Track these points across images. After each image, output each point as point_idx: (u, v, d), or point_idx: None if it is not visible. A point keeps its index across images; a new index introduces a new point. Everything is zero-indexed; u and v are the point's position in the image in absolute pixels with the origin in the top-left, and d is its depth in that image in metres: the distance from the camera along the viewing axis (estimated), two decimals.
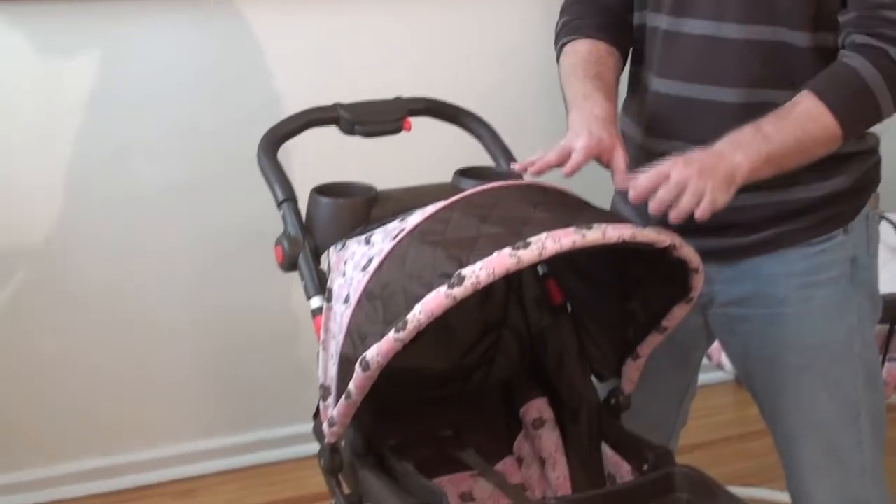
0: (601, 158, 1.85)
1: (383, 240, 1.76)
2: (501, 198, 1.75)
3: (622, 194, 2.13)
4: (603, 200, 1.97)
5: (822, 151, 1.87)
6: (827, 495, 2.07)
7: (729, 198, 1.77)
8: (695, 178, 1.74)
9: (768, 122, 1.83)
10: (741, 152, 1.79)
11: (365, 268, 1.73)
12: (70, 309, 3.30)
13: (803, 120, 1.83)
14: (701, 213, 1.72)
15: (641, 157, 2.00)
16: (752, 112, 1.86)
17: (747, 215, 1.97)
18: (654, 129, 2.03)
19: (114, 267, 3.31)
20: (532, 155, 1.86)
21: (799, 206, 1.99)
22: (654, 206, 1.75)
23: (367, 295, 1.70)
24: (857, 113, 1.86)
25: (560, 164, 1.81)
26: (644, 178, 1.75)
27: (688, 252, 1.73)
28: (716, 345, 2.31)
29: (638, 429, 2.00)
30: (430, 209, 1.75)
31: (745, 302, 2.04)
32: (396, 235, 1.73)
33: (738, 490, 1.77)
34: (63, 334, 3.30)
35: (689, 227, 1.77)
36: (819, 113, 1.83)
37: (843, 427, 2.05)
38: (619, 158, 1.85)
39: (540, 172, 1.81)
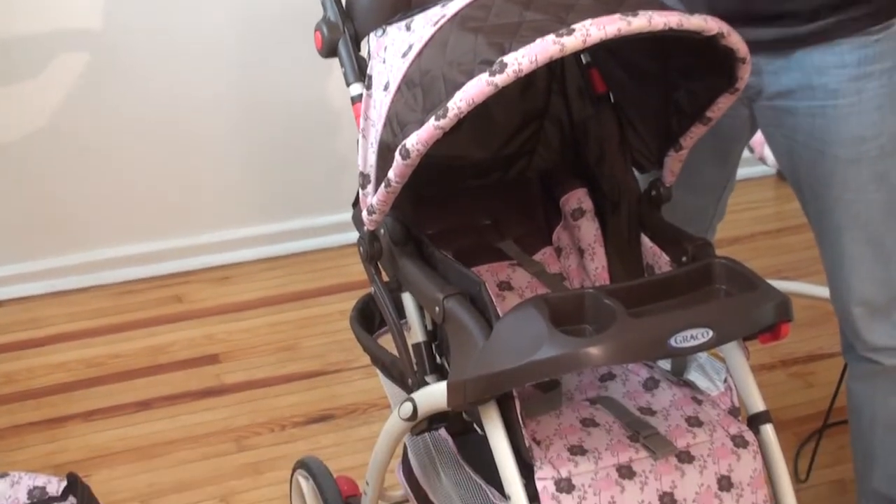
0: None
1: (424, 26, 1.72)
2: None
3: None
4: None
5: None
6: (870, 289, 2.08)
7: None
8: None
9: None
10: None
11: (405, 54, 1.71)
12: (112, 97, 3.30)
13: None
14: None
15: None
16: None
17: (804, 4, 1.92)
18: None
19: (155, 54, 3.29)
20: None
21: None
22: None
23: (407, 82, 1.68)
24: None
25: None
26: None
27: (735, 41, 1.69)
28: (758, 137, 2.28)
29: (676, 221, 1.99)
30: None
31: (793, 94, 2.01)
32: (437, 21, 1.70)
33: (775, 283, 1.77)
34: (105, 122, 3.31)
35: (740, 17, 1.72)
36: None
37: (889, 221, 2.04)
38: None
39: None
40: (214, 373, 3.03)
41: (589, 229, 2.07)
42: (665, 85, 1.89)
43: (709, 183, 2.27)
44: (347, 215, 2.02)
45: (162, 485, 2.64)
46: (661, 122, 1.93)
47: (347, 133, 3.36)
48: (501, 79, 1.55)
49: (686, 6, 1.98)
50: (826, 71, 1.97)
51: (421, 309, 1.87)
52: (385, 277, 1.93)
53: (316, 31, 1.95)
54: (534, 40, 1.55)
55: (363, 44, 1.92)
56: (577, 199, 2.08)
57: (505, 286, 2.07)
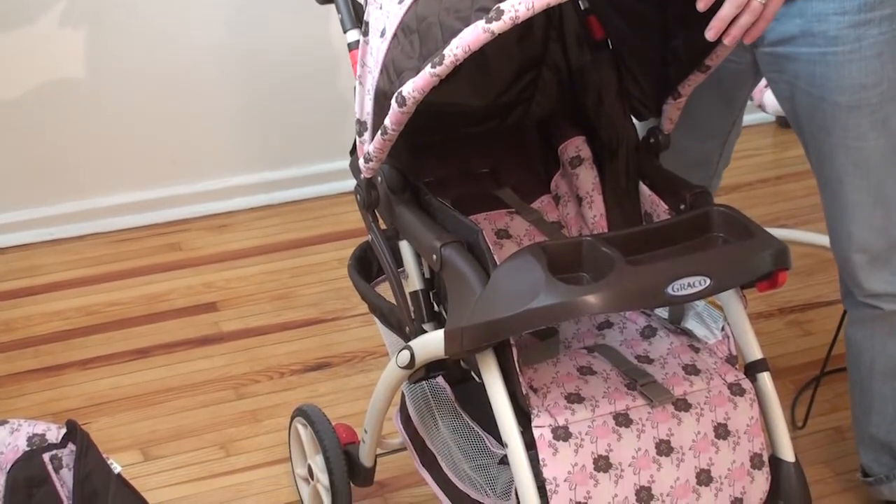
0: None
1: None
2: None
3: None
4: None
5: None
6: (869, 236, 2.08)
7: None
8: None
9: None
10: None
11: (401, 1, 1.69)
12: (110, 44, 3.28)
13: None
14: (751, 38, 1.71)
15: None
16: None
17: None
18: None
19: (153, 1, 3.27)
20: None
21: None
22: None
23: (404, 29, 1.67)
24: None
25: None
26: None
27: None
28: (758, 84, 2.27)
29: (681, 168, 1.99)
30: None
31: (794, 41, 2.00)
32: None
33: (773, 231, 1.77)
34: (104, 70, 3.29)
35: None
36: None
37: (890, 168, 2.04)
38: None
39: None
40: (212, 321, 3.03)
41: (587, 177, 2.06)
42: (664, 32, 1.88)
43: (714, 128, 2.27)
44: (345, 163, 2.02)
45: (161, 432, 2.65)
46: (660, 69, 1.92)
47: (345, 80, 3.34)
48: (498, 26, 1.54)
49: None
50: (826, 18, 1.96)
51: (418, 257, 1.87)
52: (383, 225, 1.93)
53: None
54: None
55: None
56: (576, 146, 2.08)
57: (503, 234, 2.07)
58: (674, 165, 1.99)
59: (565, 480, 1.69)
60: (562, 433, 1.71)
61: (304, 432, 2.33)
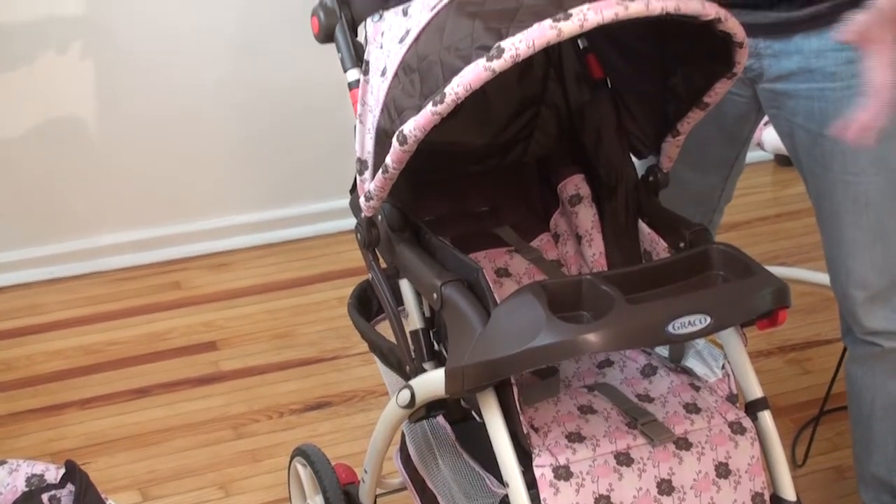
0: None
1: (421, 11, 1.72)
2: None
3: None
4: None
5: None
6: (869, 273, 2.08)
7: None
8: None
9: None
10: None
11: (402, 40, 1.70)
12: (110, 83, 3.29)
13: None
14: None
15: None
16: None
17: None
18: None
19: (152, 39, 3.28)
20: None
21: None
22: None
23: (404, 68, 1.67)
24: None
25: None
26: None
27: (733, 25, 1.69)
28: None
29: (683, 201, 1.99)
30: None
31: (793, 77, 2.01)
32: (435, 6, 1.69)
33: (772, 269, 1.77)
34: (104, 109, 3.31)
35: (739, 1, 1.72)
36: None
37: (888, 204, 2.04)
38: None
39: None
40: (212, 360, 3.02)
41: (586, 215, 2.07)
42: (662, 70, 1.89)
43: (716, 162, 2.27)
44: (344, 202, 2.02)
45: (160, 472, 2.64)
46: (659, 107, 1.93)
47: (344, 119, 3.35)
48: (499, 64, 1.55)
49: None
50: (824, 54, 1.97)
51: (419, 295, 1.87)
52: (383, 264, 1.93)
53: (313, 16, 1.94)
54: (531, 25, 1.55)
55: (360, 29, 1.92)
56: (575, 185, 2.08)
57: (503, 272, 2.07)
58: (675, 198, 1.99)
59: None
60: (563, 472, 1.70)
61: (303, 472, 2.32)
